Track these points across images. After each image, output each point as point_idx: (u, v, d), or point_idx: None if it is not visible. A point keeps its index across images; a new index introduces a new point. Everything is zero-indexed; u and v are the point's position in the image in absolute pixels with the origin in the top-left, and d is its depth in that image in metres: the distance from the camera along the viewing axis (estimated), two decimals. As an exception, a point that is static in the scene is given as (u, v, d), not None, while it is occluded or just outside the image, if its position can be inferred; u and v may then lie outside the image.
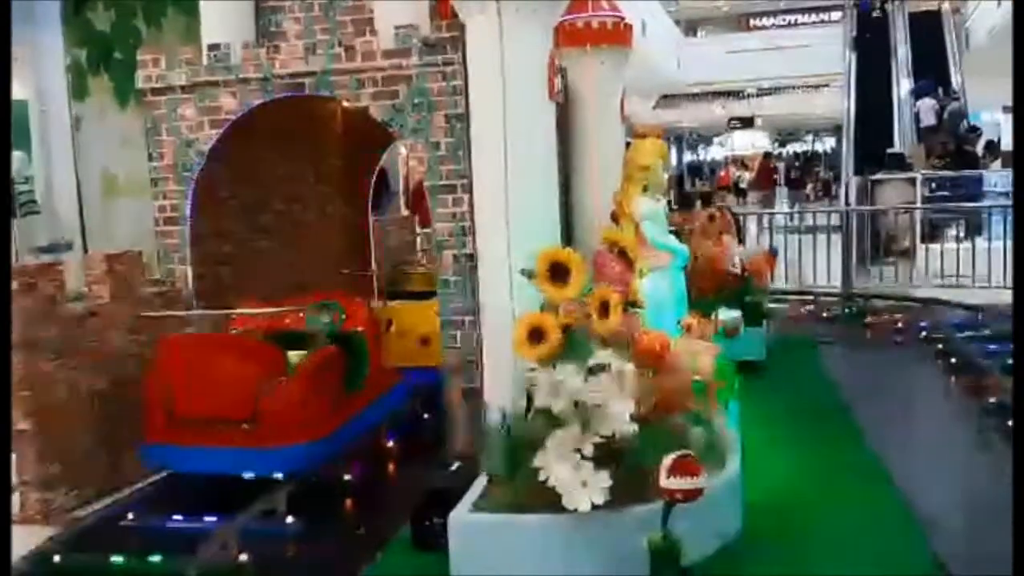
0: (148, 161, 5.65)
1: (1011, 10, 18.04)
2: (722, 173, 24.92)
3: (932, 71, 18.32)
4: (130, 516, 4.49)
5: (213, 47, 5.45)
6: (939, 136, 15.40)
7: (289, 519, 4.35)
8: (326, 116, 6.83)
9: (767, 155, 21.27)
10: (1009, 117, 19.42)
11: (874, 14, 23.08)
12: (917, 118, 17.28)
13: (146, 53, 5.64)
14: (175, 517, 4.41)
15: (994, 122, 23.20)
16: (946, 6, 22.48)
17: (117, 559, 3.93)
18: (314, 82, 5.28)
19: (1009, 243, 11.28)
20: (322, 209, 7.00)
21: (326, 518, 4.51)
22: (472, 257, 4.97)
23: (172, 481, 4.88)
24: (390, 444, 5.39)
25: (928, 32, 20.47)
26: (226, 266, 5.92)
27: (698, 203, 11.97)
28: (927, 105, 16.98)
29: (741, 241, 10.78)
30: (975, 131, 15.37)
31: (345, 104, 5.45)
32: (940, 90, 17.62)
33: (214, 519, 4.21)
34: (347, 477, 4.90)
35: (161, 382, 4.62)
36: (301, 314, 5.11)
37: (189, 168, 5.57)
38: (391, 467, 5.27)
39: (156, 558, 3.89)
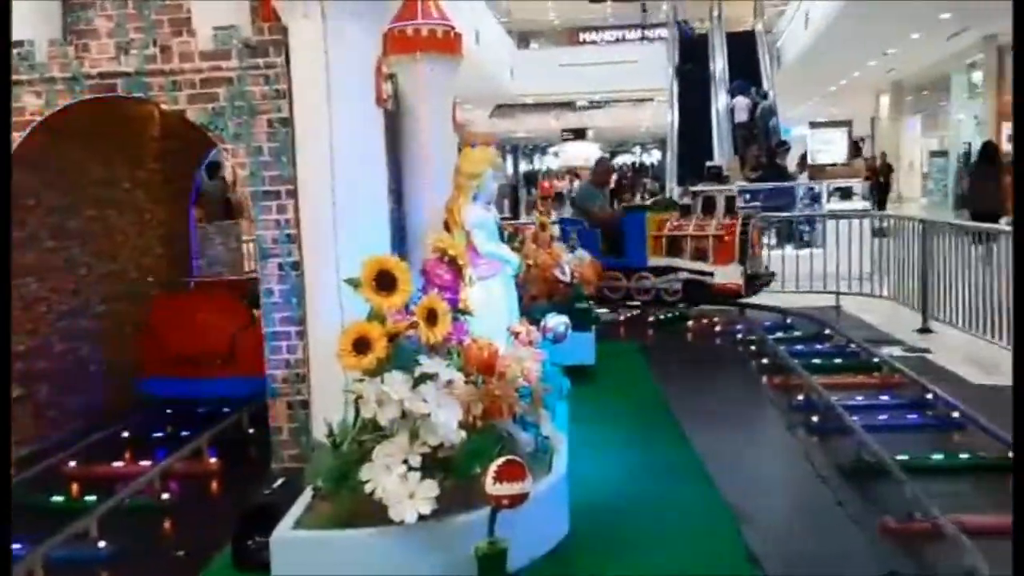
0: (-58, 164, 5.23)
1: (812, 23, 19.41)
2: (545, 183, 25.33)
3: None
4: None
5: (16, 44, 5.10)
6: (751, 148, 16.35)
7: (101, 543, 4.11)
8: (143, 118, 6.51)
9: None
10: (815, 132, 20.89)
11: (694, 34, 24.32)
12: (732, 114, 18.34)
13: (-60, 49, 5.22)
14: (-26, 546, 4.08)
15: (800, 136, 24.97)
16: (760, 27, 23.92)
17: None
18: (127, 83, 5.03)
19: (816, 250, 12.12)
20: (139, 215, 6.67)
21: (142, 540, 4.28)
22: (298, 266, 4.86)
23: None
24: (212, 460, 5.20)
25: (744, 51, 21.67)
26: (31, 276, 5.54)
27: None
28: (741, 103, 18.13)
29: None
30: (783, 145, 16.39)
31: (163, 106, 5.23)
32: (753, 90, 18.77)
33: (18, 546, 3.91)
34: (165, 496, 4.71)
35: (157, 329, 6.00)
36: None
37: (-12, 172, 5.18)
38: (214, 485, 5.07)
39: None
